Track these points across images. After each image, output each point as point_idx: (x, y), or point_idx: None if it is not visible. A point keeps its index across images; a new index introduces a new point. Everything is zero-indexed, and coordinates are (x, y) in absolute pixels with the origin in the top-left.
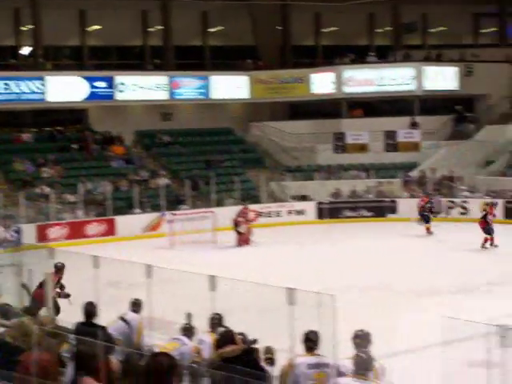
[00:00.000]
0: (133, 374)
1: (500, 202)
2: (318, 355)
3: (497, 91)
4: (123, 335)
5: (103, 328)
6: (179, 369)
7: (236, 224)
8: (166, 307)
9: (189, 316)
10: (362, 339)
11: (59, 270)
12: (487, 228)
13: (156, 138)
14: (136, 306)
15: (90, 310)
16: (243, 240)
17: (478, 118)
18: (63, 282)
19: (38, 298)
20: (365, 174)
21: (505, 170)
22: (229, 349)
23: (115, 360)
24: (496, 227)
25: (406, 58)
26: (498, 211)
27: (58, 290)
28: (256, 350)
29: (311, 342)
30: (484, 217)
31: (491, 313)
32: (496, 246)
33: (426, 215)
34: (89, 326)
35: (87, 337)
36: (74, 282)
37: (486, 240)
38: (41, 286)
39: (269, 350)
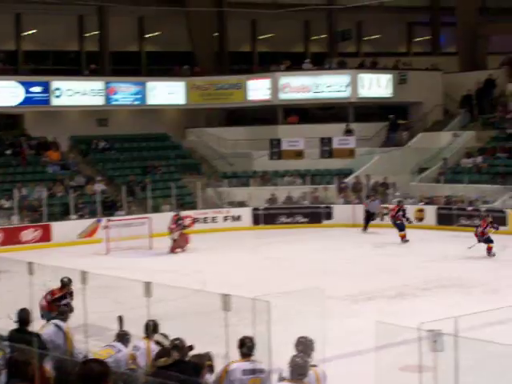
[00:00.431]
0: (65, 381)
1: (433, 208)
2: (254, 361)
3: (430, 99)
4: (53, 343)
5: (37, 335)
6: (112, 375)
7: (170, 231)
8: (102, 313)
9: (120, 319)
10: (305, 346)
11: (65, 285)
12: (483, 238)
13: (92, 143)
14: (62, 314)
15: (24, 316)
16: (176, 246)
17: (411, 126)
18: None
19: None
20: (300, 180)
21: (438, 176)
22: (162, 359)
23: (49, 367)
24: (429, 234)
25: (341, 66)
26: (432, 218)
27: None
28: (202, 357)
29: (247, 347)
30: (476, 230)
31: (425, 317)
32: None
33: (399, 223)
34: (23, 333)
35: (21, 344)
36: (8, 289)
37: (489, 248)
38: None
39: (208, 357)
